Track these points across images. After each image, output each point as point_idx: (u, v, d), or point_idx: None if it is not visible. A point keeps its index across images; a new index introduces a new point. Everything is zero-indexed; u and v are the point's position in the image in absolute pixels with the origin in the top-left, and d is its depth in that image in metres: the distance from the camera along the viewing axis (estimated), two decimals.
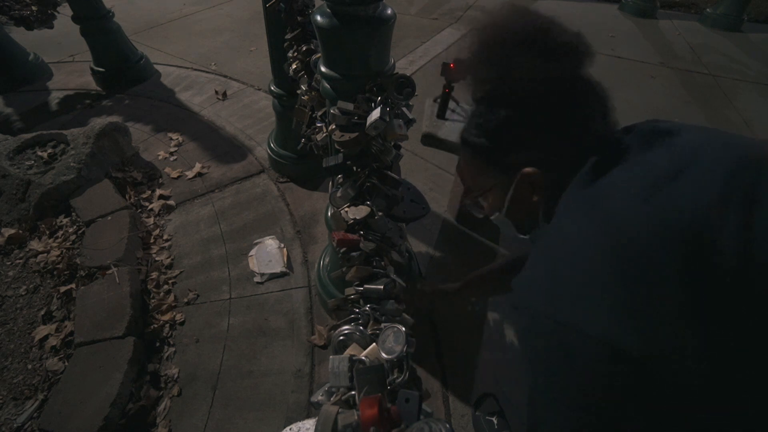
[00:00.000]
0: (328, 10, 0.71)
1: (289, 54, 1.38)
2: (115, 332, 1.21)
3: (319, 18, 0.71)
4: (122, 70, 2.54)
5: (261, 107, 2.35)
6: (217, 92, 2.46)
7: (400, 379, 0.53)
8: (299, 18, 1.39)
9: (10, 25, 2.53)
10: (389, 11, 0.71)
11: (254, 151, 2.03)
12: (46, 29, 2.52)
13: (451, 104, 1.44)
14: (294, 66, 1.35)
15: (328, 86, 0.78)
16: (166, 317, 1.34)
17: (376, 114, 0.65)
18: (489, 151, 0.51)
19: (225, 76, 2.68)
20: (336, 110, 0.71)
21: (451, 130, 1.37)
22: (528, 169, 0.49)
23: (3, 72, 2.51)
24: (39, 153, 1.75)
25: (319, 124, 1.12)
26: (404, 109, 0.68)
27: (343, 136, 0.68)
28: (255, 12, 3.58)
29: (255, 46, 3.05)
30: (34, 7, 2.40)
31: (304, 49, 1.30)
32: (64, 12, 2.50)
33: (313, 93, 1.09)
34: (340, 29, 0.67)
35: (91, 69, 2.54)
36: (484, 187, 0.55)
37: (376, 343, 0.56)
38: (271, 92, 1.69)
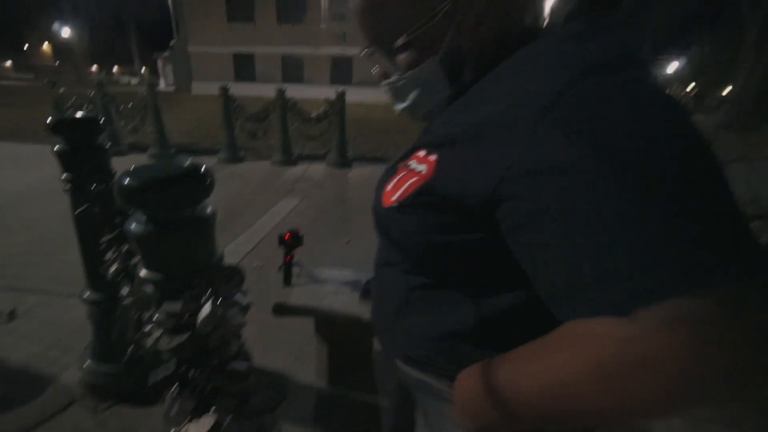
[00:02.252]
0: (143, 217, 0.71)
1: (108, 255, 1.27)
2: None
3: (134, 226, 0.70)
4: None
5: (71, 318, 1.93)
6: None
7: None
8: (117, 219, 1.34)
9: None
10: (209, 210, 0.76)
11: (59, 378, 1.56)
12: None
13: (296, 270, 1.51)
14: (113, 268, 1.23)
15: (152, 289, 0.73)
16: None
17: (206, 310, 0.63)
18: None
19: (17, 290, 2.17)
20: (161, 314, 0.66)
21: (301, 294, 1.40)
22: None
23: None
24: None
25: (147, 329, 0.99)
26: (238, 297, 0.69)
27: (171, 341, 0.62)
28: (60, 213, 3.22)
29: (65, 246, 2.67)
30: None
31: (125, 249, 1.22)
32: None
33: (136, 296, 0.99)
34: (158, 235, 0.68)
35: None
36: (408, 24, 0.41)
37: None
38: (85, 300, 1.44)
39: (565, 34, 0.37)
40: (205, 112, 9.87)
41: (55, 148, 1.33)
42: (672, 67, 26.92)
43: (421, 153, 0.44)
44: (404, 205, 0.43)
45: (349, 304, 1.33)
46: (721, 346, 0.25)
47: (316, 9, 18.32)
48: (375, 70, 0.50)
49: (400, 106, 0.50)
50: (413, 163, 0.45)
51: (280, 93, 5.13)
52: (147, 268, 0.72)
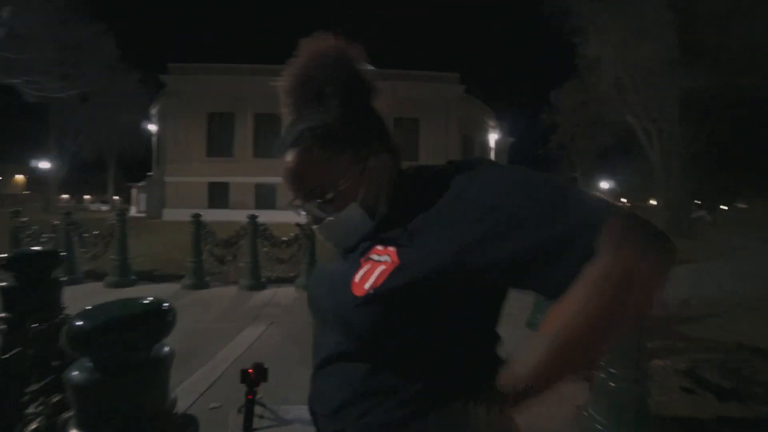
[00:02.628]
0: (89, 363, 0.65)
1: (30, 410, 1.08)
2: None
3: (76, 374, 0.63)
4: None
5: None
6: None
7: None
8: (55, 363, 1.19)
9: None
10: (166, 349, 0.71)
11: None
12: None
13: (258, 409, 1.34)
14: (33, 426, 1.04)
15: None
16: None
17: None
18: (348, 134, 0.58)
19: None
20: None
21: None
22: (383, 150, 0.60)
23: None
24: None
25: None
26: None
27: None
28: None
29: None
30: None
31: (55, 400, 1.05)
32: None
33: None
34: (105, 384, 0.61)
35: None
36: (339, 180, 0.58)
37: None
38: None
39: (444, 168, 0.58)
40: (174, 237, 9.83)
41: (0, 284, 1.25)
42: (604, 186, 31.03)
43: (379, 248, 0.57)
44: (380, 290, 0.52)
45: None
46: (644, 236, 0.43)
47: None
48: (303, 216, 0.64)
49: (330, 241, 0.65)
50: (375, 257, 0.56)
51: (252, 218, 5.30)
52: (80, 426, 0.62)
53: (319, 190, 0.59)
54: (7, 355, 1.25)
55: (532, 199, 0.47)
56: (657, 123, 15.60)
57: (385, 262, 0.54)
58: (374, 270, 0.54)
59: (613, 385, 1.93)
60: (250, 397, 1.32)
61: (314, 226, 0.65)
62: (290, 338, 3.26)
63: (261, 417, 1.32)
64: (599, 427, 1.93)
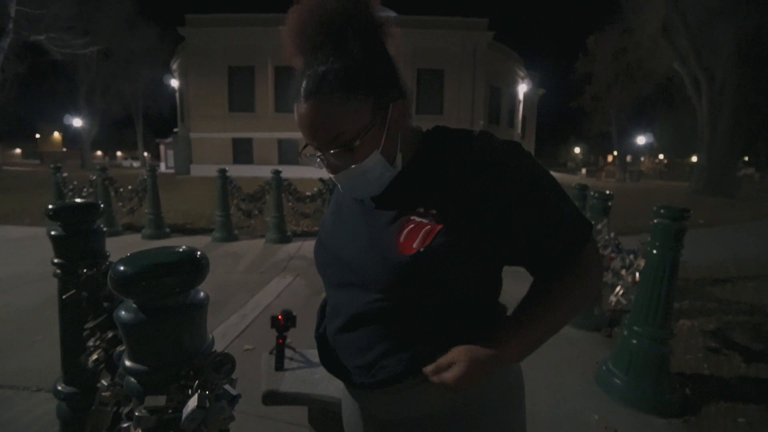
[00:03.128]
0: (133, 305, 0.70)
1: (90, 343, 1.20)
2: None
3: (123, 314, 0.68)
4: None
5: (36, 417, 1.75)
6: None
7: None
8: (105, 304, 1.30)
9: None
10: (201, 295, 0.75)
11: None
12: None
13: (288, 352, 1.43)
14: (95, 357, 1.15)
15: (134, 381, 0.68)
16: None
17: (192, 403, 0.58)
18: (371, 80, 0.55)
19: None
20: (143, 410, 0.61)
21: (294, 380, 1.31)
22: (400, 99, 0.59)
23: None
24: None
25: (125, 425, 0.90)
26: (226, 387, 0.65)
27: None
28: (44, 299, 3.09)
29: (42, 334, 2.52)
30: None
31: (110, 336, 1.16)
32: None
33: (115, 389, 0.92)
34: (148, 323, 0.66)
35: None
36: (360, 129, 0.56)
37: None
38: (57, 393, 1.33)
39: (479, 144, 0.60)
40: (202, 193, 10.17)
41: (51, 233, 1.34)
42: (641, 141, 29.12)
43: (421, 209, 0.59)
44: (429, 249, 0.56)
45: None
46: (599, 259, 0.63)
47: None
48: (321, 166, 0.63)
49: (349, 192, 0.64)
50: (417, 218, 0.58)
51: (276, 174, 5.37)
52: (132, 359, 0.68)
53: (340, 138, 0.56)
54: (64, 297, 1.38)
55: (548, 204, 0.58)
56: (709, 71, 14.18)
57: (429, 224, 0.57)
58: (420, 230, 0.57)
59: (635, 342, 1.93)
60: (280, 341, 1.41)
61: (332, 176, 0.63)
62: (315, 289, 3.41)
63: (290, 359, 1.42)
64: (618, 381, 1.97)
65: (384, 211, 0.62)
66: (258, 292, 3.33)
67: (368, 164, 0.59)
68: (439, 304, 0.60)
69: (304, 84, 0.55)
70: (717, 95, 14.04)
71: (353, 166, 0.59)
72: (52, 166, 6.54)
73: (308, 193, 5.58)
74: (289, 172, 6.61)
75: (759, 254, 5.28)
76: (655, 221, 1.89)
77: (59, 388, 1.32)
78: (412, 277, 0.57)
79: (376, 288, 0.60)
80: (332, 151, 0.58)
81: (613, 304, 2.78)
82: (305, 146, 0.63)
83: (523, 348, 0.59)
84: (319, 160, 0.61)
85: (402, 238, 0.58)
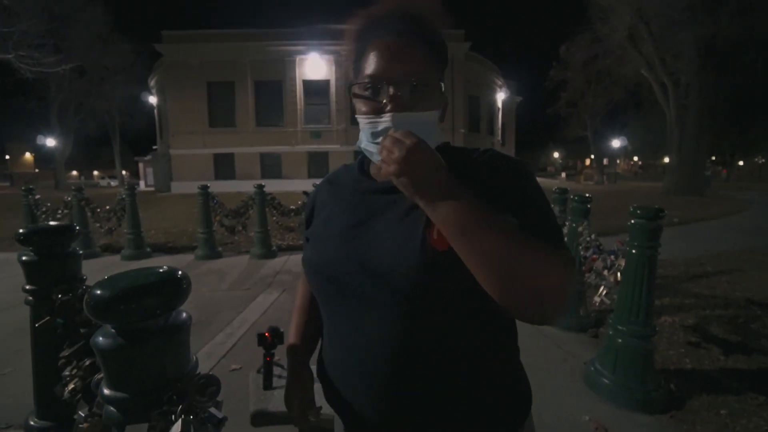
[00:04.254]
0: (111, 330, 0.67)
1: (66, 372, 1.15)
2: None
3: (101, 340, 0.66)
4: None
5: None
6: None
7: None
8: (82, 330, 1.25)
9: None
10: (184, 315, 0.73)
11: None
12: None
13: (277, 370, 1.40)
14: (71, 386, 1.10)
15: (114, 410, 0.66)
16: None
17: (176, 429, 0.56)
18: (442, 60, 0.64)
19: None
20: None
21: (283, 398, 1.28)
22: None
23: None
24: None
25: None
26: (212, 410, 0.63)
27: None
28: (14, 329, 2.90)
29: (11, 366, 2.39)
30: None
31: (87, 363, 1.11)
32: None
33: (95, 419, 0.88)
34: (127, 348, 0.64)
35: None
36: (434, 77, 0.62)
37: None
38: (28, 429, 1.26)
39: (494, 157, 0.64)
40: (184, 210, 9.96)
41: (22, 258, 1.29)
42: (615, 144, 30.14)
43: None
44: None
45: None
46: (571, 262, 0.57)
47: (291, 114, 20.11)
48: (379, 113, 0.61)
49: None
50: None
51: (259, 188, 5.32)
52: (111, 387, 0.65)
53: (419, 74, 0.60)
54: (37, 324, 1.32)
55: (544, 210, 0.60)
56: (674, 76, 14.87)
57: None
58: None
59: (620, 341, 1.97)
60: (268, 359, 1.38)
61: (389, 115, 0.59)
62: None
63: (279, 377, 1.39)
64: (605, 381, 2.00)
65: (401, 195, 0.57)
66: (244, 309, 3.26)
67: (427, 117, 0.61)
68: (466, 302, 0.57)
69: (392, 22, 0.60)
70: (683, 99, 14.73)
71: (415, 114, 0.59)
72: (23, 188, 6.31)
73: (292, 207, 5.53)
74: (272, 186, 6.56)
75: (729, 249, 5.52)
76: (632, 221, 1.95)
77: (32, 423, 1.26)
78: (447, 271, 0.54)
79: (402, 293, 0.56)
80: (413, 83, 0.59)
81: (597, 304, 2.83)
82: (365, 91, 0.61)
83: (460, 213, 0.51)
84: (384, 96, 0.59)
85: (435, 234, 0.54)
